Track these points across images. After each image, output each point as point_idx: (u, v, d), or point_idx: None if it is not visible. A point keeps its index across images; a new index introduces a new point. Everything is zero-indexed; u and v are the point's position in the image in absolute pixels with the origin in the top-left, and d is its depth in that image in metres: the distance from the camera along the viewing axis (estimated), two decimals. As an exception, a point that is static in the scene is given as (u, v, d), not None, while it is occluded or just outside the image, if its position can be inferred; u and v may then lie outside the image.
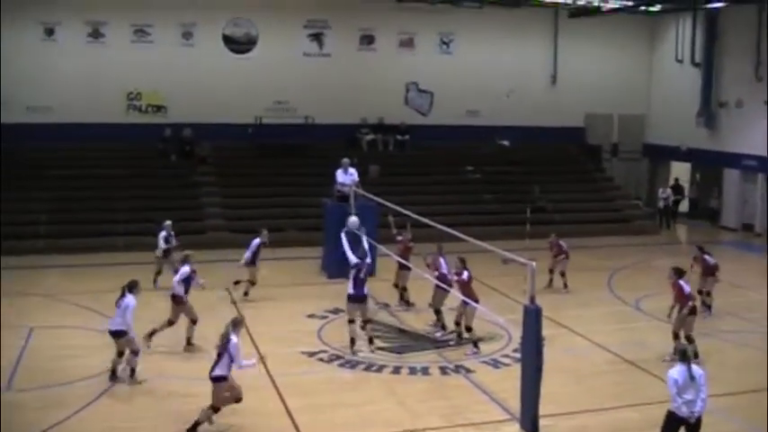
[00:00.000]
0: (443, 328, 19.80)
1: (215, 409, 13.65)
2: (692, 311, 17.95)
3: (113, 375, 15.94)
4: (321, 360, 17.56)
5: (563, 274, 23.94)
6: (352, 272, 18.13)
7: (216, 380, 13.57)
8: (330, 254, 24.45)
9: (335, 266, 23.17)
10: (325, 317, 20.74)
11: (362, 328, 18.30)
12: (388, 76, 36.90)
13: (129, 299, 15.81)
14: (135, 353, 16.00)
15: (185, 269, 18.43)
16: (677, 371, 11.65)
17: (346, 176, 25.24)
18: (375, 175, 32.37)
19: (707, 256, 21.98)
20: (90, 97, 33.00)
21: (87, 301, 21.11)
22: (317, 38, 36.24)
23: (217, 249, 28.05)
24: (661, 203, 37.49)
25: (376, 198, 24.00)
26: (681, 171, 40.68)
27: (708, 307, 21.65)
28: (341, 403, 15.24)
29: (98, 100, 33.14)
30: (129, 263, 25.17)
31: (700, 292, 21.51)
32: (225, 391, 13.56)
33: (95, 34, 33.60)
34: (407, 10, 36.41)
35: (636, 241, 31.46)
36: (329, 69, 36.09)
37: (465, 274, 18.38)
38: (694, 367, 11.70)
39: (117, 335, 15.84)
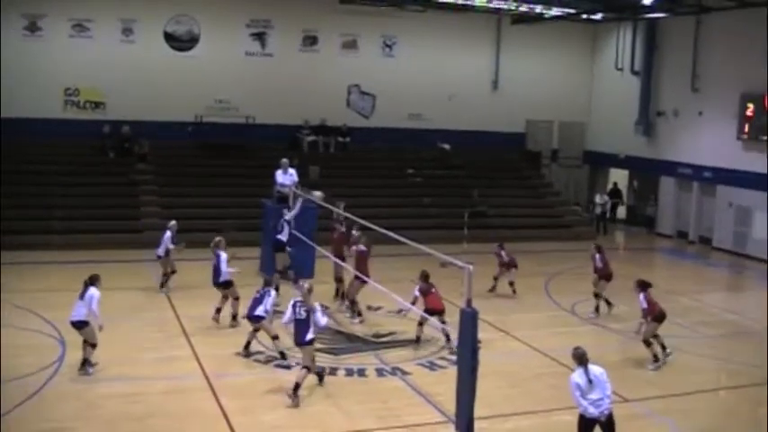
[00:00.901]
0: (359, 314, 20.63)
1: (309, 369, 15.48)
2: (655, 319, 18.26)
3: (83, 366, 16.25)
4: (258, 361, 17.43)
5: (511, 284, 23.89)
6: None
7: (309, 343, 15.48)
8: (269, 254, 24.31)
9: (273, 267, 23.03)
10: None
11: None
12: (331, 77, 36.81)
13: (93, 290, 16.21)
14: (93, 346, 16.23)
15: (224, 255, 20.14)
16: (577, 374, 11.99)
17: (286, 177, 25.15)
18: (315, 177, 32.30)
19: (598, 256, 22.34)
20: (27, 92, 32.32)
21: (22, 300, 20.71)
22: (260, 37, 36.04)
23: (154, 249, 27.65)
24: (598, 209, 37.92)
25: (315, 199, 23.97)
26: (619, 178, 41.19)
27: (596, 309, 22.30)
28: (277, 405, 15.13)
29: (35, 95, 32.51)
30: (66, 261, 24.84)
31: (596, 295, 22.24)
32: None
33: (32, 27, 32.95)
34: (350, 12, 36.40)
35: (573, 247, 31.74)
36: (271, 69, 35.92)
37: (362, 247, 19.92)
38: (592, 368, 12.03)
39: (79, 325, 16.15)
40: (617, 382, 16.58)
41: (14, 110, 31.61)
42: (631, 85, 38.62)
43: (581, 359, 12.15)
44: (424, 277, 18.87)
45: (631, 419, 15.02)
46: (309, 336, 15.52)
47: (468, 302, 14.02)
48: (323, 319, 15.78)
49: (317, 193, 23.40)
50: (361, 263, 20.69)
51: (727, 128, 32.95)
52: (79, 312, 16.13)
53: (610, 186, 40.68)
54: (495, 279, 24.05)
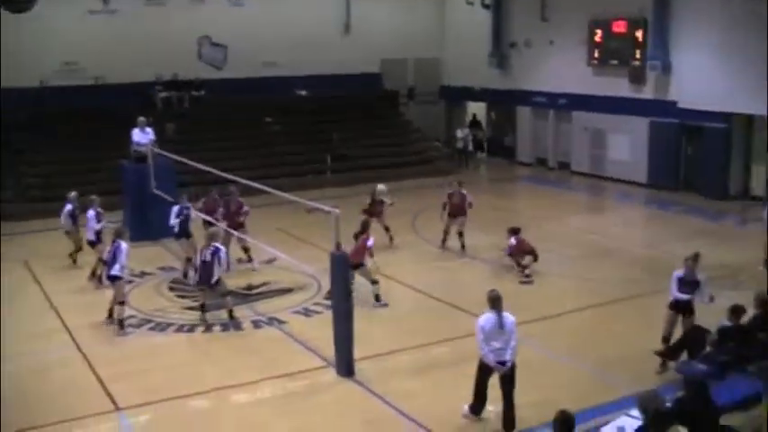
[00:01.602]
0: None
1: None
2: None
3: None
4: (130, 325, 17.05)
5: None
6: None
7: (216, 283, 16.80)
8: (131, 216, 23.80)
9: (137, 229, 22.57)
10: (130, 281, 20.11)
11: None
12: (180, 30, 35.81)
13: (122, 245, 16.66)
14: (121, 303, 16.80)
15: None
16: (485, 317, 11.70)
17: (143, 136, 24.49)
18: (171, 134, 31.64)
19: (464, 192, 22.40)
20: None
21: None
22: (102, -7, 34.83)
23: (7, 222, 26.76)
24: (460, 144, 38.38)
25: (174, 156, 23.53)
26: (476, 110, 41.76)
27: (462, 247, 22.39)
28: (154, 368, 14.94)
29: None
30: None
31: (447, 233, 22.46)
32: None
33: None
34: (194, -38, 35.61)
35: (437, 182, 32.13)
36: (117, 27, 34.67)
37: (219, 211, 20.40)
38: (505, 314, 11.76)
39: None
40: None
41: None
42: (483, 18, 39.00)
43: (494, 302, 11.79)
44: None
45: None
46: (215, 277, 16.86)
47: (338, 246, 14.07)
48: (224, 259, 17.30)
49: (170, 125, 22.90)
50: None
51: (577, 55, 33.68)
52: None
53: (469, 119, 41.27)
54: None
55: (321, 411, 13.02)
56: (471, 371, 13.04)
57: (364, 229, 18.29)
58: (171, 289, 19.56)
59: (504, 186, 34.46)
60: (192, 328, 16.86)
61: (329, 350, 14.54)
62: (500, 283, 19.59)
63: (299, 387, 13.93)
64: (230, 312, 17.30)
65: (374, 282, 17.93)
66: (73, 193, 21.49)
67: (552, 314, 17.12)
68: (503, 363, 11.66)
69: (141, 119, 24.89)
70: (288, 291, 19.10)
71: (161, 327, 17.05)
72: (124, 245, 16.63)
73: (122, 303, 16.70)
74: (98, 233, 20.18)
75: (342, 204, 16.88)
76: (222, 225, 20.08)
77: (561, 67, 34.88)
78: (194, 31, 36.55)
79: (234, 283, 19.67)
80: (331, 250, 14.23)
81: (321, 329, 15.59)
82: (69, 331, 16.82)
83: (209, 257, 16.81)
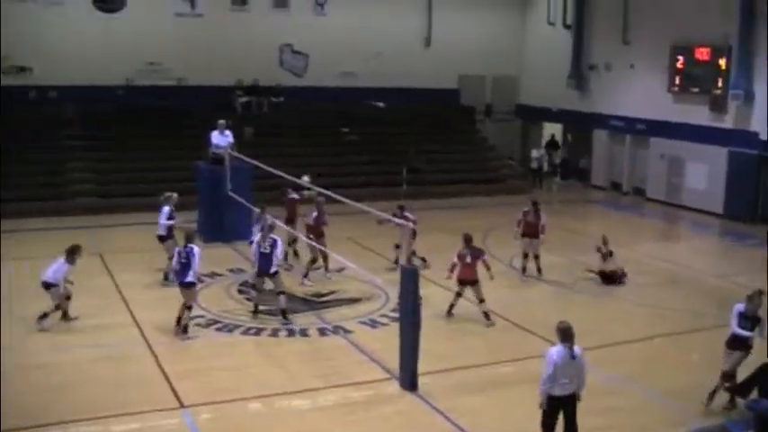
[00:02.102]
0: (305, 276, 20.42)
1: (189, 307, 16.39)
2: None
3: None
4: (198, 325, 17.28)
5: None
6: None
7: (275, 273, 17.36)
8: (205, 218, 24.10)
9: (210, 231, 22.87)
10: (200, 281, 20.40)
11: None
12: (263, 36, 36.32)
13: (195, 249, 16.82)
14: (68, 298, 17.27)
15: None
16: (557, 350, 11.01)
17: (221, 138, 24.83)
18: (250, 138, 32.00)
19: (540, 212, 21.72)
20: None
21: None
22: (189, -3, 35.47)
23: (86, 215, 27.40)
24: (534, 164, 38.19)
25: (250, 160, 23.78)
26: (554, 131, 41.59)
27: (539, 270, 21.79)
28: (219, 368, 15.09)
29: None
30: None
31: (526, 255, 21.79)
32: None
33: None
34: (281, -31, 36.06)
35: (509, 200, 31.98)
36: (202, 30, 35.30)
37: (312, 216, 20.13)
38: (575, 347, 11.14)
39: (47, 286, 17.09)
40: (555, 334, 16.90)
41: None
42: (563, 39, 38.82)
43: (565, 334, 11.05)
44: (467, 240, 18.27)
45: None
46: (274, 268, 17.44)
47: (408, 259, 14.10)
48: (280, 250, 17.79)
49: (248, 129, 23.26)
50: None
51: (658, 80, 33.31)
52: (47, 274, 17.08)
53: (546, 139, 41.14)
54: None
55: (382, 423, 13.02)
56: (535, 391, 13.01)
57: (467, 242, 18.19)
58: (240, 291, 19.75)
59: (577, 209, 34.14)
60: (258, 331, 17.01)
61: (393, 362, 14.53)
62: (568, 305, 19.62)
63: (361, 397, 13.95)
64: (283, 312, 17.52)
65: (482, 300, 17.85)
66: (170, 194, 20.89)
67: (621, 340, 16.88)
68: (569, 396, 11.19)
69: (221, 121, 25.23)
70: (355, 301, 19.16)
71: (228, 328, 17.23)
72: (197, 249, 16.70)
73: (189, 308, 16.73)
74: (170, 229, 20.36)
75: (415, 217, 16.97)
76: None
77: (641, 92, 34.51)
78: (277, 39, 37.00)
79: (303, 290, 19.87)
80: (401, 262, 14.25)
81: (386, 341, 15.64)
82: (139, 326, 17.11)
83: (268, 249, 17.37)
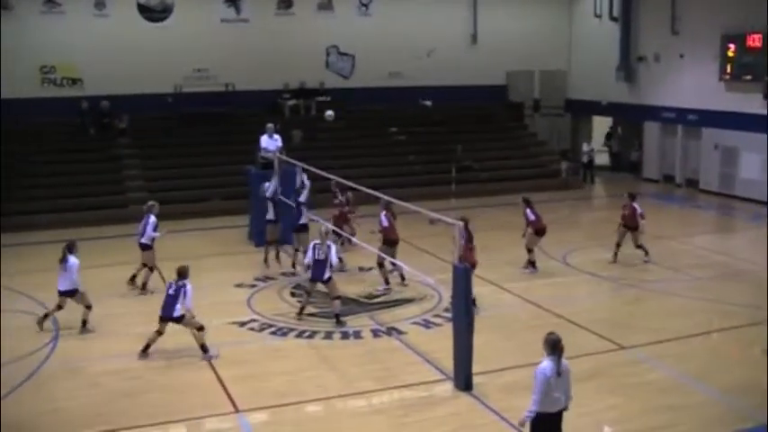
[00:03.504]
0: (386, 282, 19.99)
1: (200, 328, 15.75)
2: (537, 232, 21.32)
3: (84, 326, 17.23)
4: (252, 329, 17.39)
5: (639, 246, 22.23)
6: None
7: (329, 280, 17.42)
8: (257, 222, 24.21)
9: (262, 234, 22.96)
10: (254, 285, 20.56)
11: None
12: (308, 39, 36.47)
13: (73, 259, 16.94)
14: (88, 307, 17.21)
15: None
16: (549, 366, 10.16)
17: (271, 142, 24.93)
18: (298, 141, 32.14)
19: (529, 210, 21.53)
20: (2, 72, 31.92)
21: (11, 282, 20.51)
22: (234, 3, 35.66)
23: (140, 223, 27.56)
24: (585, 158, 37.87)
25: (299, 163, 23.82)
26: (602, 125, 41.28)
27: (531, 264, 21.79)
28: (274, 372, 15.13)
29: (10, 74, 32.08)
30: (52, 241, 24.58)
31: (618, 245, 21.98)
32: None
33: (4, 6, 32.44)
34: (324, -28, 36.15)
35: (561, 196, 31.77)
36: (248, 35, 35.59)
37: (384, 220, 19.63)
38: (563, 361, 10.30)
39: (70, 294, 17.05)
40: (612, 330, 16.79)
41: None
42: (611, 31, 38.44)
43: (554, 347, 10.21)
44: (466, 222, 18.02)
45: (627, 366, 15.16)
46: (327, 274, 17.51)
47: (460, 258, 14.03)
48: (335, 257, 17.94)
49: (329, 113, 23.36)
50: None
51: (709, 69, 32.84)
52: (64, 282, 16.99)
53: (605, 131, 41.13)
54: (618, 245, 22.43)
55: (437, 425, 12.94)
56: (592, 389, 12.93)
57: None
58: (293, 294, 19.81)
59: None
60: (312, 335, 17.04)
61: (448, 363, 14.48)
62: (622, 301, 19.44)
63: (416, 399, 13.90)
64: (337, 317, 17.55)
65: None
66: (154, 203, 20.88)
67: (678, 336, 16.63)
68: (559, 412, 10.44)
69: (269, 125, 25.34)
70: (408, 301, 19.13)
71: (282, 332, 17.27)
72: (190, 287, 15.90)
73: (201, 329, 15.89)
74: (153, 239, 20.29)
75: (466, 215, 16.89)
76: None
77: (691, 82, 34.06)
78: (322, 41, 37.14)
79: (354, 290, 19.87)
80: (453, 262, 14.19)
81: (440, 342, 15.59)
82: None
83: (323, 255, 17.44)
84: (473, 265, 17.76)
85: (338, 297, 17.78)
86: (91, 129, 32.85)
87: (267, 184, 22.61)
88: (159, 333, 15.74)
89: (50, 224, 27.03)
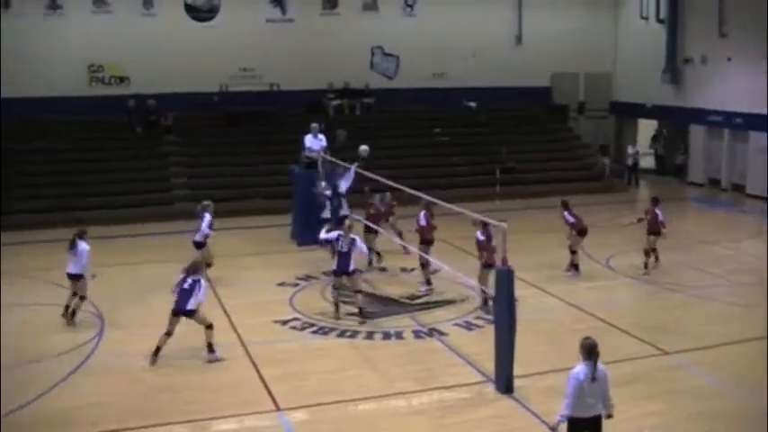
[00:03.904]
0: (428, 282, 19.96)
1: (210, 326, 15.65)
2: (579, 233, 21.30)
3: (66, 312, 17.63)
4: (294, 328, 17.49)
5: (654, 250, 21.94)
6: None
7: (353, 272, 17.86)
8: (299, 221, 24.33)
9: (305, 233, 23.08)
10: (296, 284, 20.68)
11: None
12: (353, 39, 36.62)
13: (82, 245, 17.43)
14: (82, 298, 17.65)
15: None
16: (582, 369, 10.17)
17: (315, 142, 25.04)
18: (342, 141, 32.17)
19: (566, 213, 21.50)
20: (51, 70, 32.42)
21: (56, 278, 20.73)
22: (280, 3, 35.88)
23: (185, 220, 27.85)
24: (629, 161, 37.59)
25: (343, 164, 23.94)
26: (648, 128, 40.98)
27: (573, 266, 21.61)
28: (315, 371, 15.20)
29: (59, 73, 32.59)
30: (100, 237, 24.85)
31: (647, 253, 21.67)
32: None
33: (53, 6, 32.98)
34: (370, -28, 36.25)
35: (605, 199, 31.58)
36: (293, 35, 35.76)
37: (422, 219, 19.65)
38: (599, 365, 10.24)
39: (75, 278, 17.51)
40: (653, 334, 16.67)
41: (40, 89, 31.74)
42: (657, 34, 38.10)
43: (590, 352, 10.17)
44: (484, 224, 18.25)
45: (668, 371, 15.03)
46: (352, 266, 17.87)
47: (504, 261, 14.01)
48: (363, 246, 18.41)
49: (363, 147, 23.40)
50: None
51: (756, 72, 32.39)
52: (74, 266, 17.47)
53: (652, 134, 41.20)
54: (648, 253, 21.98)
55: (478, 427, 12.94)
56: (631, 394, 12.87)
57: None
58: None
59: (673, 206, 33.37)
60: (353, 334, 17.10)
61: (489, 365, 14.48)
62: (664, 305, 19.29)
63: (457, 400, 13.91)
64: (360, 310, 17.84)
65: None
66: (208, 203, 21.21)
67: (722, 342, 16.40)
68: (594, 418, 10.36)
69: (314, 125, 25.47)
70: (450, 302, 19.13)
71: (323, 331, 17.35)
72: (204, 283, 15.94)
73: (210, 327, 15.81)
74: (206, 237, 20.63)
75: (509, 217, 16.89)
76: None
77: (739, 85, 33.64)
78: (367, 41, 37.26)
79: (396, 291, 19.92)
80: (497, 264, 14.18)
81: (482, 343, 15.61)
82: (236, 330, 17.35)
83: (345, 248, 17.79)
84: (492, 266, 17.90)
85: (360, 291, 18.18)
86: (137, 127, 33.18)
87: (323, 183, 22.78)
88: (169, 334, 15.55)
89: (97, 220, 27.26)
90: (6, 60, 31.43)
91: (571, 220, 21.41)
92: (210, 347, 15.69)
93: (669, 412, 13.19)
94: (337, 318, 17.87)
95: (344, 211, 22.36)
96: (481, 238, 18.20)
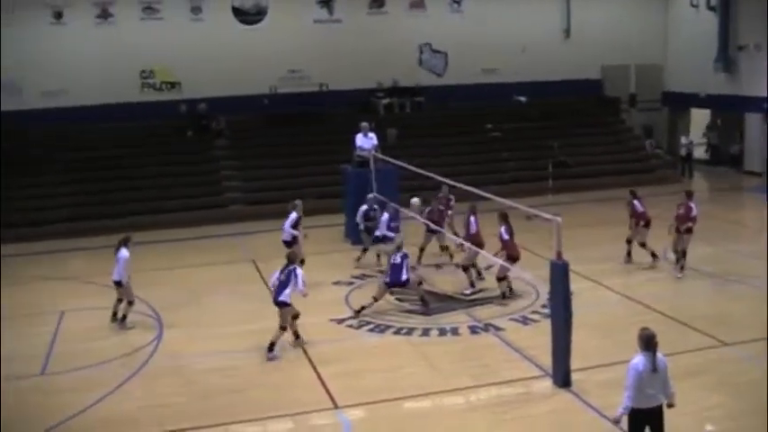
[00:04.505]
0: (472, 285, 19.76)
1: (283, 328, 15.82)
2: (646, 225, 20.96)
3: (114, 317, 17.95)
4: (350, 327, 17.54)
5: (684, 253, 20.62)
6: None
7: (406, 282, 17.68)
8: (352, 220, 24.37)
9: (358, 233, 23.10)
10: (351, 283, 20.74)
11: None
12: (401, 38, 36.59)
13: (123, 252, 17.71)
14: (130, 303, 17.86)
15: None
16: (641, 360, 10.17)
17: (366, 141, 25.06)
18: (393, 139, 32.24)
19: (636, 202, 21.18)
20: (104, 78, 32.80)
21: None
22: (327, 4, 35.97)
23: (238, 223, 28.23)
24: (683, 151, 37.14)
25: (395, 161, 23.94)
26: (702, 118, 40.48)
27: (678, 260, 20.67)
28: (372, 369, 15.24)
29: (112, 80, 32.94)
30: (154, 241, 25.23)
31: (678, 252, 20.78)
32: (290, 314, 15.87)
33: (104, 14, 33.40)
34: (416, -30, 36.20)
35: (659, 191, 31.16)
36: (341, 35, 35.83)
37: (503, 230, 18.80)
38: (659, 355, 10.24)
39: (116, 284, 17.77)
40: (715, 326, 16.43)
41: (93, 96, 32.22)
42: (708, 21, 37.50)
43: (648, 343, 10.17)
44: (504, 217, 18.69)
45: (731, 363, 14.83)
46: (405, 276, 17.97)
47: (559, 255, 13.91)
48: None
49: (415, 201, 23.12)
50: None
51: (813, 57, 31.83)
52: (115, 273, 17.73)
53: (707, 122, 40.77)
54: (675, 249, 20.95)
55: (537, 422, 12.89)
56: (694, 387, 12.71)
57: None
58: (390, 292, 19.86)
59: (729, 196, 33.04)
60: (409, 331, 17.10)
61: (546, 359, 14.40)
62: (724, 297, 19.04)
63: (515, 395, 13.86)
64: (422, 298, 18.29)
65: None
66: (298, 202, 21.49)
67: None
68: (655, 409, 10.33)
69: (364, 124, 25.49)
70: (506, 297, 19.00)
71: (380, 329, 17.37)
72: (300, 271, 16.19)
73: (284, 329, 16.07)
74: (294, 237, 20.70)
75: (563, 211, 16.76)
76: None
77: (795, 71, 33.06)
78: (415, 39, 37.19)
79: (452, 288, 19.87)
80: (551, 258, 14.09)
81: (538, 338, 15.52)
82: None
83: (398, 260, 17.96)
84: (516, 259, 18.36)
85: (420, 284, 18.74)
86: (189, 131, 33.48)
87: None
88: (283, 328, 15.99)
89: (152, 225, 27.61)
90: (59, 70, 32.04)
91: (641, 209, 21.19)
92: (297, 334, 16.26)
93: (733, 404, 13.01)
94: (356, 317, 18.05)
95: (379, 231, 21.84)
96: (505, 236, 18.51)
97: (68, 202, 29.52)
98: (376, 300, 18.03)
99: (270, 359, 15.72)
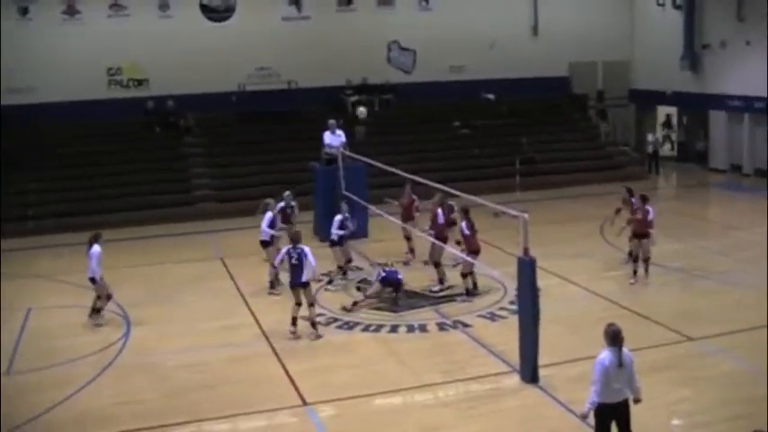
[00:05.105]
0: (441, 282, 19.74)
1: (312, 304, 16.69)
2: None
3: (92, 312, 17.90)
4: (319, 323, 17.50)
5: (647, 260, 19.91)
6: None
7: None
8: (322, 217, 24.37)
9: (327, 230, 23.06)
10: (319, 280, 20.68)
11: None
12: (369, 35, 36.58)
13: (94, 248, 17.64)
14: (108, 297, 17.91)
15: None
16: (607, 356, 10.23)
17: (334, 138, 25.08)
18: (362, 136, 32.25)
19: (634, 200, 20.74)
20: (70, 75, 32.58)
21: (82, 280, 20.89)
22: (296, 1, 35.91)
23: (206, 220, 28.12)
24: (650, 148, 37.42)
25: (363, 159, 23.97)
26: (668, 113, 40.80)
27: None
28: (341, 365, 15.28)
29: (79, 77, 32.71)
30: (122, 239, 25.08)
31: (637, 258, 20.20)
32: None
33: (70, 11, 33.18)
34: (383, -33, 36.27)
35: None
36: (310, 32, 35.77)
37: (463, 225, 18.73)
38: (624, 351, 10.30)
39: (90, 281, 17.71)
40: (680, 321, 16.61)
41: (60, 93, 31.99)
42: (674, 19, 37.84)
43: (614, 338, 10.23)
44: (465, 212, 18.74)
45: (696, 358, 14.99)
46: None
47: (526, 251, 13.99)
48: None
49: (362, 109, 23.03)
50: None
51: (776, 56, 32.15)
52: (88, 270, 17.64)
53: (662, 119, 40.85)
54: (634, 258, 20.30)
55: (504, 417, 12.98)
56: (661, 381, 12.84)
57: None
58: (358, 289, 19.93)
59: (695, 192, 33.35)
60: (378, 328, 17.14)
61: (514, 355, 14.48)
62: (691, 293, 19.21)
63: (483, 391, 13.95)
64: (340, 266, 19.48)
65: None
66: (269, 200, 21.10)
67: (750, 327, 16.20)
68: (621, 403, 10.42)
69: (332, 121, 25.51)
70: (473, 294, 19.05)
71: (348, 326, 17.40)
72: (308, 249, 16.55)
73: (312, 305, 16.80)
74: (272, 236, 20.48)
75: (531, 208, 16.87)
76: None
77: (758, 69, 33.26)
78: (383, 36, 37.21)
79: (419, 285, 19.92)
80: (518, 255, 14.17)
81: (506, 334, 15.58)
82: (260, 326, 17.43)
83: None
84: (477, 252, 18.44)
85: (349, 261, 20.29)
86: (157, 128, 33.31)
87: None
88: (298, 304, 16.56)
89: (119, 223, 27.45)
90: (25, 67, 31.74)
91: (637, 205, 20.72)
92: (314, 325, 16.65)
93: (700, 398, 13.17)
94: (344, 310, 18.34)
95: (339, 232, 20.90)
96: (466, 231, 18.58)
97: (35, 200, 29.33)
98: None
99: (317, 338, 16.52)
